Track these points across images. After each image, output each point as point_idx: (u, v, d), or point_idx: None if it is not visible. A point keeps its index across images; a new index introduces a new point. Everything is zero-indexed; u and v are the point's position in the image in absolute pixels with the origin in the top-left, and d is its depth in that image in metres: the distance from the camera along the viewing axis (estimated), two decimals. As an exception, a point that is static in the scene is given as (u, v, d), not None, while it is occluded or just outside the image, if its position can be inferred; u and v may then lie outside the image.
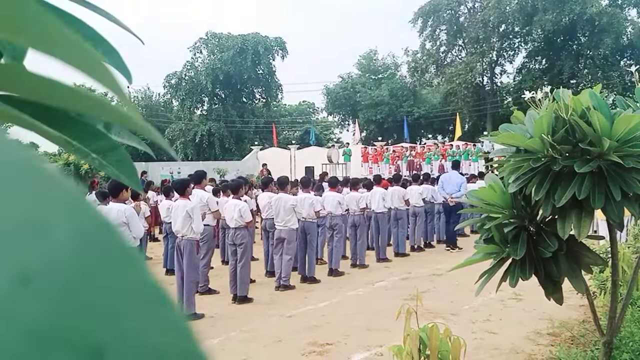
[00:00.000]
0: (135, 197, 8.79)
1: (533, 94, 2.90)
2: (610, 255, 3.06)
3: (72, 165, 21.51)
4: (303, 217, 8.90)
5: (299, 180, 10.73)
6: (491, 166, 3.35)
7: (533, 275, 2.84)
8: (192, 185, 7.75)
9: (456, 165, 13.43)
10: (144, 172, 21.99)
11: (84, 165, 21.29)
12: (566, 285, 2.76)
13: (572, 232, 2.58)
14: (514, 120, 3.00)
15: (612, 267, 2.90)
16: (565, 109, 2.54)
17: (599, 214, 2.60)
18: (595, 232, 8.66)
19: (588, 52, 37.26)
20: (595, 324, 3.19)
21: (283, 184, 8.82)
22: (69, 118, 0.65)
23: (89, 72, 0.30)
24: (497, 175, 3.02)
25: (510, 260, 2.89)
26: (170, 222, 8.18)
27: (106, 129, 0.74)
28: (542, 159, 2.56)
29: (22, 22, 0.27)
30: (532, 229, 2.87)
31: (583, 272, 2.80)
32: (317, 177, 22.34)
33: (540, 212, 2.81)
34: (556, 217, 2.69)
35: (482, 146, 26.00)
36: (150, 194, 13.64)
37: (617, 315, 3.01)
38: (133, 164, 0.63)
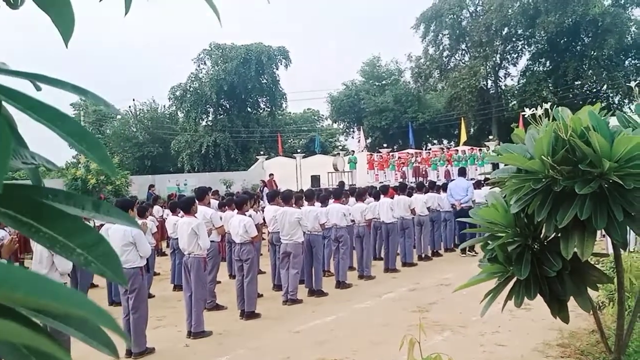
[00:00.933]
0: (142, 214, 8.83)
1: (533, 110, 2.90)
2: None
3: (80, 180, 21.62)
4: (308, 230, 8.89)
5: (303, 192, 10.72)
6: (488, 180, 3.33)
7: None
8: (197, 202, 7.75)
9: (462, 172, 13.79)
10: (151, 186, 22.03)
11: (91, 180, 21.43)
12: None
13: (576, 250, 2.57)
14: (515, 138, 3.00)
15: (617, 285, 2.88)
16: (565, 129, 2.53)
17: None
18: (604, 236, 8.61)
19: (592, 52, 37.09)
20: (603, 341, 3.17)
21: (287, 198, 8.82)
22: (55, 211, 0.66)
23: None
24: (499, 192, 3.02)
25: (515, 279, 2.88)
26: (177, 238, 8.21)
27: (94, 209, 0.75)
28: (543, 180, 2.55)
29: None
30: (536, 246, 2.85)
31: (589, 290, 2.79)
32: (324, 186, 22.41)
33: (544, 231, 2.80)
34: (559, 235, 2.68)
35: (487, 151, 25.96)
36: (156, 209, 13.66)
37: (624, 333, 2.99)
38: (118, 257, 0.64)
